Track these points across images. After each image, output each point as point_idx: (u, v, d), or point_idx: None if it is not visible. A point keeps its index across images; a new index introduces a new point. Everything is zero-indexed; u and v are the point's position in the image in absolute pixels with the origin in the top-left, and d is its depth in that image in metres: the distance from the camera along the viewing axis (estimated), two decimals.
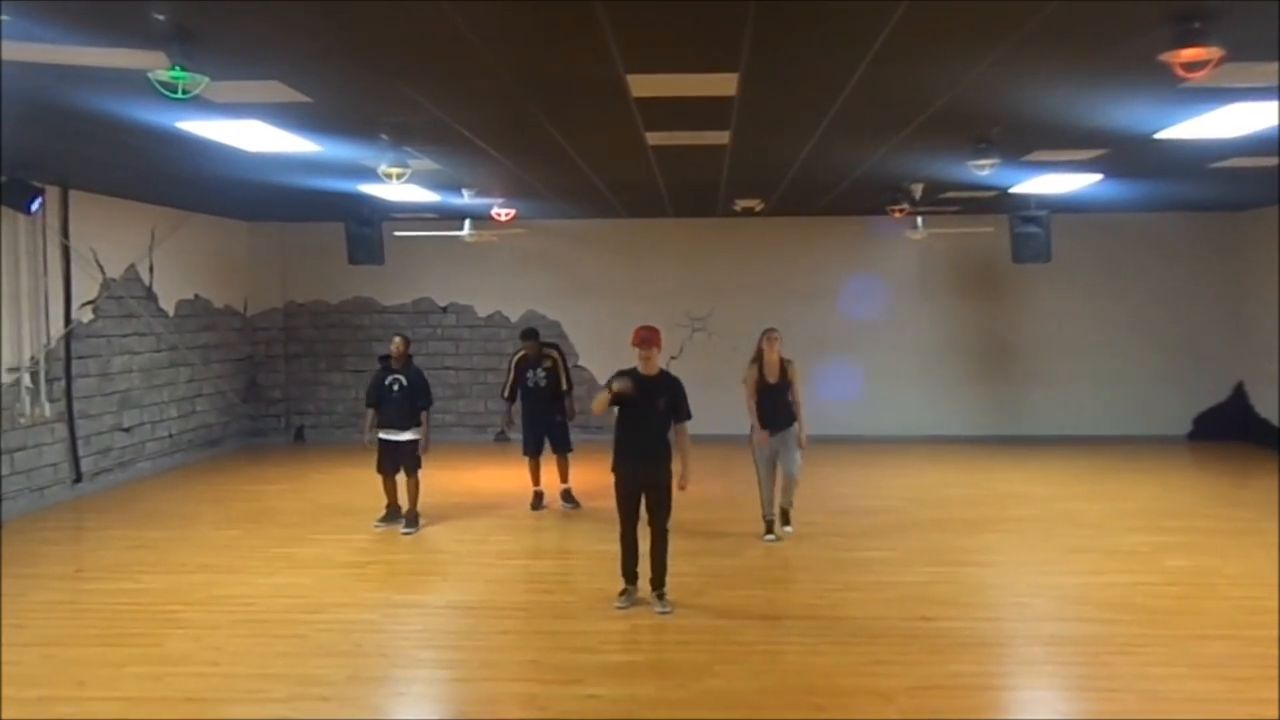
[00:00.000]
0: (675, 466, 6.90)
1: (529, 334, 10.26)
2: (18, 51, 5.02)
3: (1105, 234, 14.19)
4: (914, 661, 5.83)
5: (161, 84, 4.87)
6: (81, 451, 10.87)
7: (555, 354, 10.22)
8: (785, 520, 8.77)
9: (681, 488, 6.87)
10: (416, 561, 8.30)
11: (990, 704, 5.43)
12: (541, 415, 10.08)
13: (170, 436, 12.71)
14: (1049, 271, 13.26)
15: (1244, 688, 5.38)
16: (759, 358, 8.68)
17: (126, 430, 11.77)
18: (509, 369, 10.26)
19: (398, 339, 9.29)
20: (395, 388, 9.08)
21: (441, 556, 8.43)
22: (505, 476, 11.55)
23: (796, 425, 8.65)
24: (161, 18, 4.55)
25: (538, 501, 10.06)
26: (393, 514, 9.18)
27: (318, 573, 7.81)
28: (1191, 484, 11.57)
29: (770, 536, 8.59)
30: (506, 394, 10.26)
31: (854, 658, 5.89)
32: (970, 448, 13.79)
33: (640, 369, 6.88)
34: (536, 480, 10.10)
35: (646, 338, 6.92)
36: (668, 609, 6.76)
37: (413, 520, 9.09)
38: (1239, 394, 14.33)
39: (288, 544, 8.72)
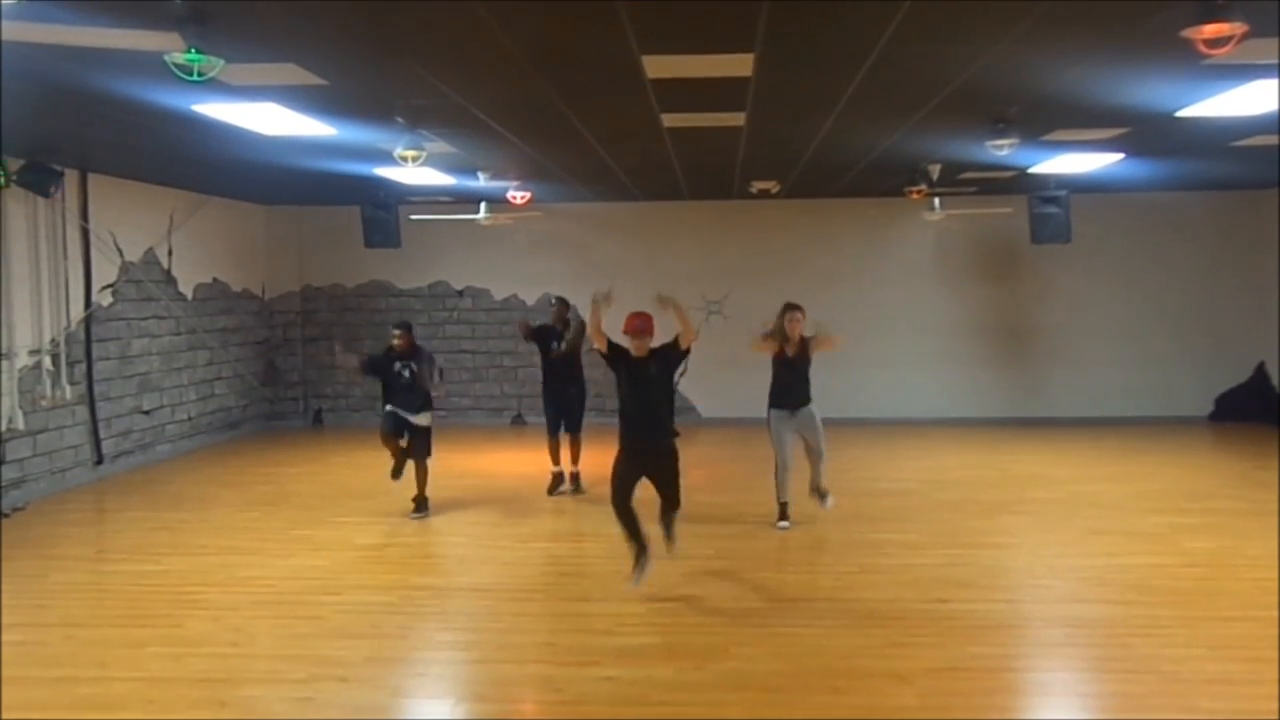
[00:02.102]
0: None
1: (555, 300, 10.23)
2: (34, 33, 5.03)
3: (1126, 214, 14.06)
4: (932, 644, 5.82)
5: (177, 66, 4.87)
6: (102, 434, 10.95)
7: (579, 323, 9.90)
8: (822, 496, 8.55)
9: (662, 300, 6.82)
10: (433, 544, 8.34)
11: (1008, 686, 5.42)
12: (561, 386, 9.97)
13: (189, 419, 12.79)
14: (1069, 252, 13.17)
15: (1264, 669, 5.34)
16: (777, 332, 8.52)
17: (146, 413, 11.85)
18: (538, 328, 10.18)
19: (398, 332, 9.03)
20: (406, 373, 8.95)
21: (458, 539, 8.46)
22: (521, 460, 11.58)
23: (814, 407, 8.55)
24: (177, 0, 4.55)
25: (555, 484, 10.01)
26: (400, 470, 9.12)
27: (336, 555, 7.86)
28: (1212, 465, 11.50)
29: (784, 524, 8.49)
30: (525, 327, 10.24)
31: (871, 640, 5.89)
32: (989, 430, 13.73)
33: (632, 351, 6.81)
34: (556, 460, 10.01)
35: (640, 327, 6.80)
36: (673, 540, 6.94)
37: (422, 505, 9.06)
38: (1260, 374, 14.22)
39: (306, 526, 8.77)
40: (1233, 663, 5.50)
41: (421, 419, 9.04)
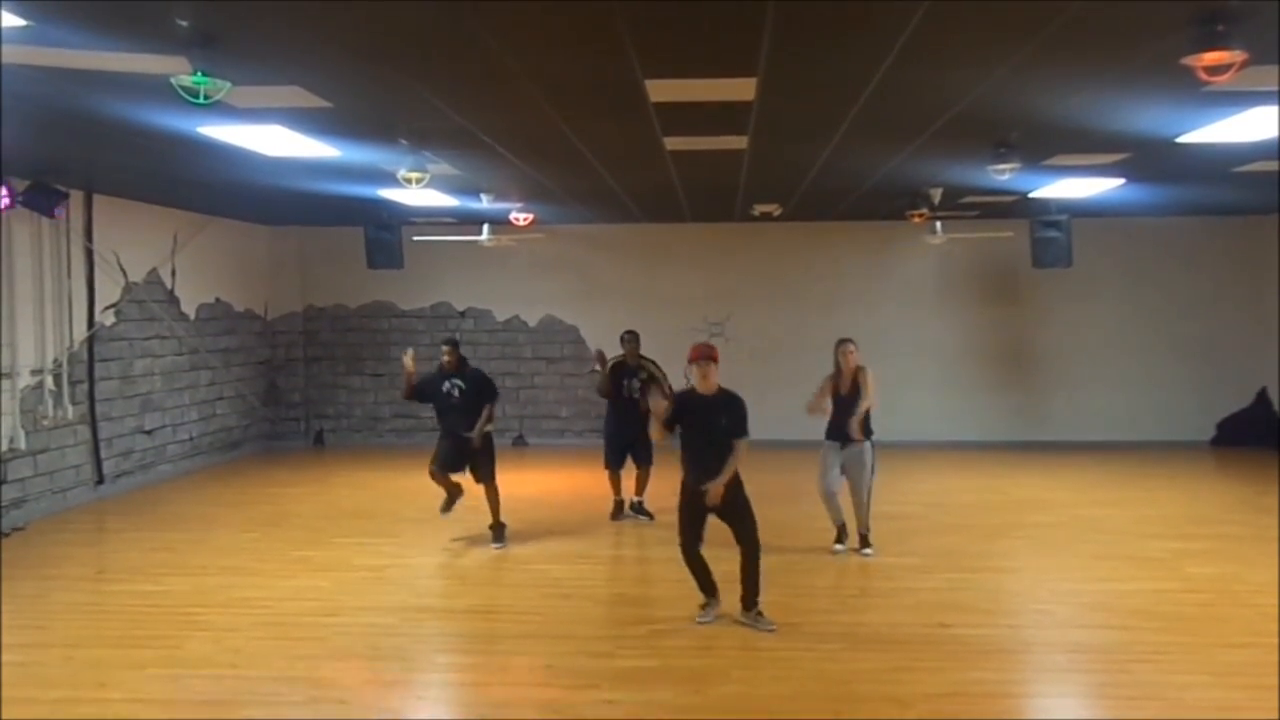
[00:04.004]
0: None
1: (627, 337, 9.81)
2: (42, 57, 5.07)
3: (1127, 239, 14.09)
4: (933, 668, 5.80)
5: (184, 89, 4.90)
6: (103, 454, 10.95)
7: (652, 365, 9.70)
8: (865, 542, 8.36)
9: (713, 498, 6.50)
10: (434, 565, 8.32)
11: (1010, 711, 5.39)
12: (629, 427, 9.58)
13: (191, 439, 12.79)
14: (1070, 276, 13.17)
15: (1268, 696, 5.31)
16: (836, 372, 8.37)
17: (148, 433, 11.85)
18: (604, 372, 9.72)
19: (447, 349, 8.76)
20: (455, 393, 8.69)
21: (458, 561, 8.43)
22: (523, 481, 11.55)
23: (869, 444, 8.33)
24: (184, 23, 4.58)
25: (618, 511, 9.74)
26: (454, 498, 8.74)
27: (336, 576, 7.84)
28: (1214, 490, 11.47)
29: (839, 546, 8.33)
30: (602, 387, 9.77)
31: (872, 664, 5.86)
32: (990, 453, 13.70)
33: (697, 387, 6.65)
34: (618, 490, 9.77)
35: (704, 353, 6.65)
36: (771, 626, 6.45)
37: (500, 534, 8.75)
38: (1262, 399, 14.21)
39: (307, 547, 8.75)
40: (1236, 690, 5.48)
41: (477, 436, 8.69)
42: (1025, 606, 7.11)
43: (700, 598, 6.70)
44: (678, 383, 6.92)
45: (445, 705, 5.66)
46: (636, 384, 9.52)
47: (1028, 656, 6.15)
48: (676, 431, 6.69)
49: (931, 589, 7.40)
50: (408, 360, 8.74)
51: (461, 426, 8.69)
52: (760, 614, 6.55)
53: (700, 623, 6.55)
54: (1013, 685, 5.74)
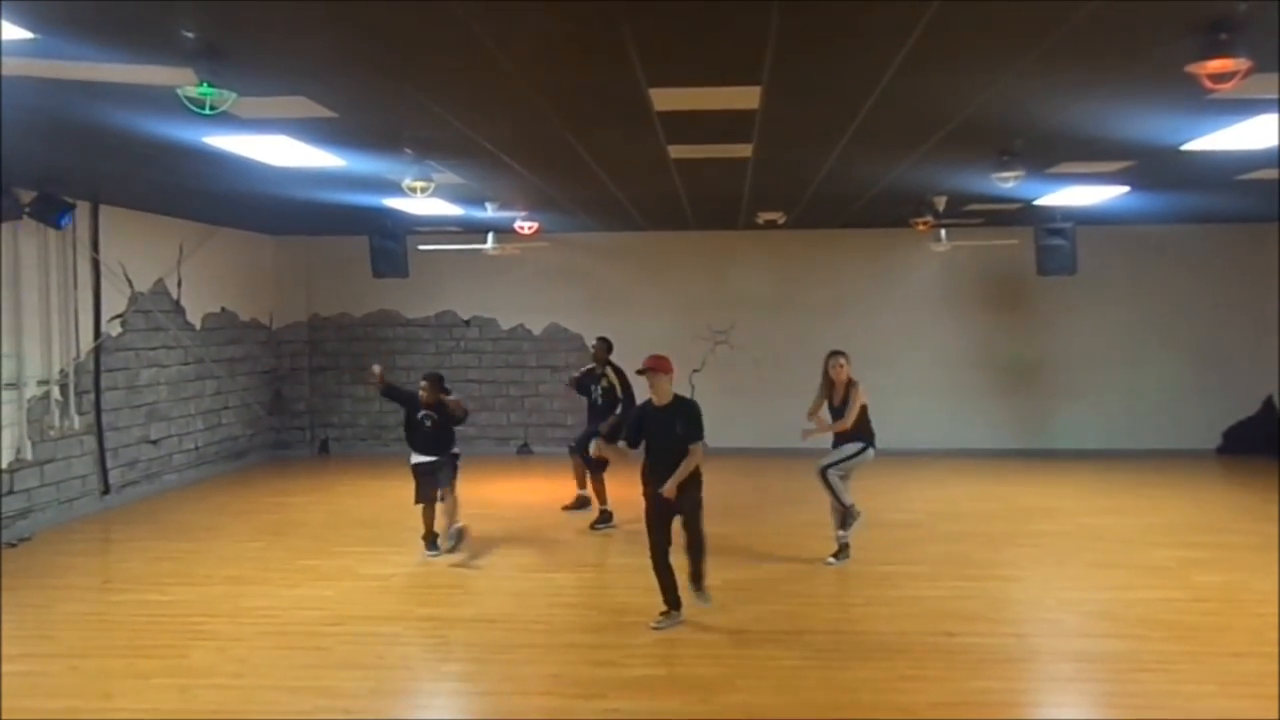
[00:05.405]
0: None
1: (596, 342, 10.19)
2: (49, 69, 5.09)
3: (1131, 246, 14.07)
4: (938, 678, 5.79)
5: (190, 100, 4.92)
6: (110, 463, 10.97)
7: (614, 375, 9.90)
8: (845, 525, 8.41)
9: (667, 494, 6.64)
10: (439, 574, 8.31)
11: None
12: (597, 426, 9.73)
13: (197, 449, 12.81)
14: (1074, 284, 13.17)
15: (1273, 705, 5.30)
16: (828, 385, 8.35)
17: (154, 442, 11.86)
18: (574, 376, 10.36)
19: (425, 385, 8.78)
20: (428, 423, 8.75)
21: (464, 569, 8.43)
22: (528, 489, 11.57)
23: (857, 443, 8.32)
24: (190, 35, 4.61)
25: (578, 504, 9.91)
26: (433, 540, 8.80)
27: (342, 585, 7.84)
28: (1220, 498, 11.43)
29: (831, 560, 8.32)
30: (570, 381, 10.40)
31: (877, 673, 5.85)
32: (995, 461, 13.69)
33: (654, 400, 6.85)
34: (581, 484, 9.93)
35: (652, 365, 6.83)
36: (708, 601, 6.83)
37: (454, 535, 8.82)
38: (1268, 407, 14.17)
39: (312, 556, 8.76)
40: (1242, 699, 5.46)
41: (446, 455, 8.84)
42: (1031, 615, 7.09)
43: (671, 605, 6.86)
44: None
45: (450, 715, 5.66)
46: (599, 391, 9.77)
47: (1034, 665, 6.14)
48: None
49: (937, 597, 7.39)
50: (376, 373, 8.88)
51: (429, 448, 8.78)
52: (701, 590, 6.84)
53: (655, 628, 6.66)
54: (1019, 694, 5.73)
